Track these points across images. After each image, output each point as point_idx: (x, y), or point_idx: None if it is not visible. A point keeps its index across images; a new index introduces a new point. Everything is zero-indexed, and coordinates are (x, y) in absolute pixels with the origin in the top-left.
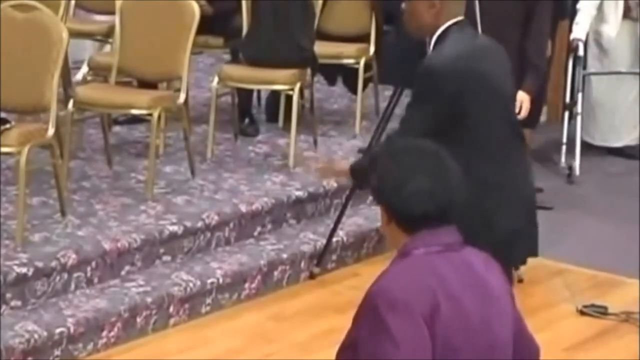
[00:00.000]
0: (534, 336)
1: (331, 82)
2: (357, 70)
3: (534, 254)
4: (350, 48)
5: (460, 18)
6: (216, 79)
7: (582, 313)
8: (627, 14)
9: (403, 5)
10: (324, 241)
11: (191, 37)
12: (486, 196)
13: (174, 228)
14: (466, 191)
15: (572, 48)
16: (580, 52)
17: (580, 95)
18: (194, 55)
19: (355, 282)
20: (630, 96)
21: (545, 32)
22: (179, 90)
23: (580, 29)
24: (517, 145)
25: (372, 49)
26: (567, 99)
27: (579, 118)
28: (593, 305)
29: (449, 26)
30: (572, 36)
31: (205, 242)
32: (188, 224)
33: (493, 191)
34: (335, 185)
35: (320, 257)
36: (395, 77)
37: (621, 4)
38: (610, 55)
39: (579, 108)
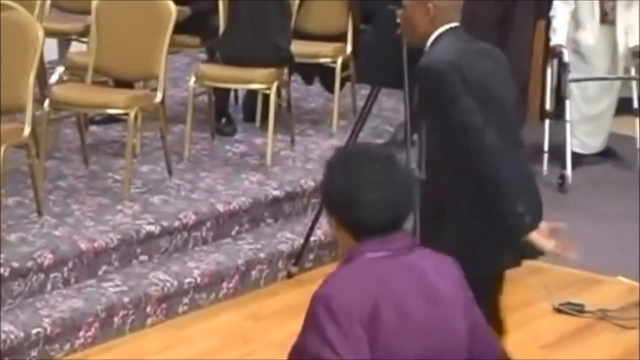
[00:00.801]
0: (496, 339)
1: (308, 81)
2: (334, 69)
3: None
4: (327, 47)
5: (455, 24)
6: (193, 79)
7: (558, 311)
8: (604, 19)
9: (399, 11)
10: (302, 240)
11: (168, 37)
12: (513, 194)
13: (151, 228)
14: (416, 195)
15: (554, 54)
16: (566, 59)
17: (568, 102)
18: (170, 54)
19: None
20: (604, 103)
21: (526, 33)
22: (155, 89)
23: (559, 36)
24: (517, 148)
25: (349, 48)
26: (548, 106)
27: (568, 126)
28: (569, 303)
29: (444, 31)
30: (553, 43)
31: (183, 241)
32: (165, 223)
33: (508, 187)
34: (312, 184)
35: (297, 257)
36: (373, 76)
37: (597, 9)
38: (588, 62)
39: (567, 116)
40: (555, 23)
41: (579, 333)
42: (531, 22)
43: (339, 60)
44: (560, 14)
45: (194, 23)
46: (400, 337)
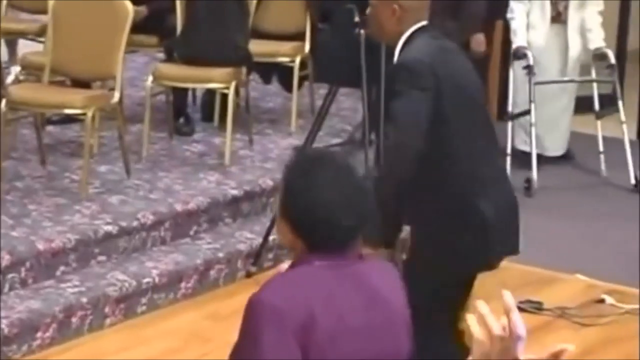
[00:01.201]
0: None
1: (266, 80)
2: (292, 68)
3: (512, 252)
4: (285, 46)
5: (424, 23)
6: (150, 78)
7: (517, 309)
8: (557, 19)
9: (368, 11)
10: (261, 240)
11: (125, 36)
12: (483, 195)
13: (109, 228)
14: (373, 203)
15: (517, 56)
16: (531, 61)
17: (533, 105)
18: (128, 54)
19: None
20: (559, 105)
21: (475, 23)
22: (113, 89)
23: (521, 37)
24: (491, 145)
25: (307, 47)
26: (510, 108)
27: (533, 129)
28: (528, 301)
29: (415, 30)
30: (515, 45)
31: (141, 241)
32: (123, 223)
33: (479, 188)
34: (271, 183)
35: (256, 256)
36: (331, 75)
37: (549, 10)
38: (539, 63)
39: (532, 118)
40: (514, 25)
41: (537, 331)
42: (482, 12)
43: (297, 60)
44: (518, 15)
45: (152, 22)
46: (339, 345)
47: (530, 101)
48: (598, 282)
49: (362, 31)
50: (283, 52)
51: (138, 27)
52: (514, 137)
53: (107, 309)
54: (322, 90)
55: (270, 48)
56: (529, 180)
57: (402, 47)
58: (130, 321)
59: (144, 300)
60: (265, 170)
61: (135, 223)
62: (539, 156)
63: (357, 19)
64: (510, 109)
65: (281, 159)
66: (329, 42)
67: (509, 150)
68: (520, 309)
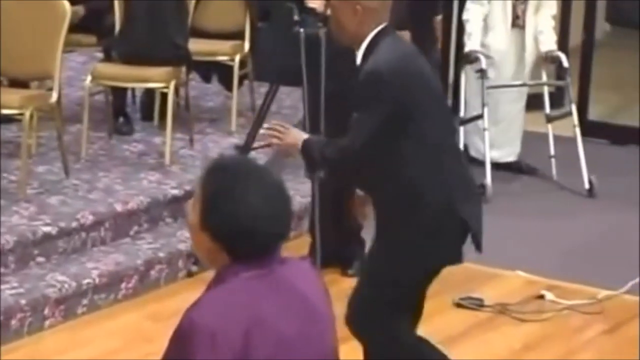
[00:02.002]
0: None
1: (206, 79)
2: (232, 67)
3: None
4: (225, 45)
5: (385, 24)
6: (89, 78)
7: (458, 305)
8: (515, 23)
9: (329, 12)
10: None
11: (63, 36)
12: (447, 187)
13: (48, 229)
14: (291, 208)
15: (469, 60)
16: (483, 65)
17: (486, 110)
18: (66, 53)
19: None
20: (515, 109)
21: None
22: (51, 89)
23: (474, 41)
24: (455, 142)
25: (247, 46)
26: (463, 113)
27: (486, 134)
28: (469, 298)
29: (378, 32)
30: (468, 48)
31: (81, 242)
32: (62, 224)
33: (452, 182)
34: None
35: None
36: (271, 74)
37: (510, 13)
38: (498, 67)
39: (485, 123)
40: (469, 27)
41: (478, 327)
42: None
43: (237, 58)
44: (474, 18)
45: (90, 22)
46: (276, 356)
47: (483, 105)
48: (538, 278)
49: (301, 30)
50: (223, 51)
51: (76, 27)
52: (468, 142)
53: (46, 311)
54: (262, 89)
55: (210, 47)
56: (482, 186)
57: (365, 51)
58: (70, 322)
59: (84, 301)
60: None
61: (74, 224)
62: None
63: (296, 17)
64: (462, 113)
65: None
66: (269, 40)
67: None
68: (462, 306)
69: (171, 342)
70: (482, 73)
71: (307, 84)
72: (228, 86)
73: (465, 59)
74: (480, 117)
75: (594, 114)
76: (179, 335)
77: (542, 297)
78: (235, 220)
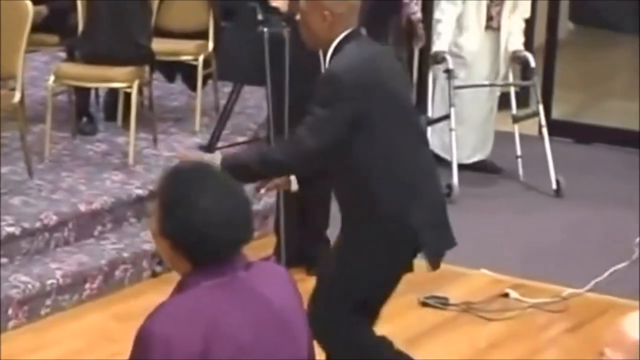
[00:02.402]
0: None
1: (170, 79)
2: (196, 67)
3: (453, 244)
4: (188, 45)
5: (353, 28)
6: (52, 78)
7: (423, 304)
8: (488, 24)
9: (298, 17)
10: None
11: (25, 36)
12: (401, 195)
13: (12, 229)
14: (251, 212)
15: (436, 60)
16: (450, 65)
17: (453, 110)
18: (29, 53)
19: None
20: (484, 110)
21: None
22: (14, 89)
23: (444, 41)
24: (422, 147)
25: (210, 46)
26: (430, 113)
27: (453, 134)
28: (434, 297)
29: (345, 36)
30: (435, 49)
31: (44, 242)
32: (26, 224)
33: (407, 190)
34: None
35: None
36: (235, 73)
37: (484, 14)
38: (470, 68)
39: (452, 123)
40: (441, 27)
41: (443, 326)
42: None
43: (201, 58)
44: (447, 18)
45: (52, 21)
46: None
47: (450, 106)
48: (503, 277)
49: (265, 29)
50: (186, 51)
51: (39, 26)
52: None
53: (10, 312)
54: (226, 88)
55: (174, 47)
56: (449, 187)
57: (332, 54)
58: (34, 324)
59: (48, 301)
60: None
61: (38, 224)
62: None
63: (260, 17)
64: (430, 113)
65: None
66: (233, 40)
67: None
68: (427, 305)
69: (132, 350)
70: (449, 73)
71: (271, 84)
72: (192, 86)
73: (432, 59)
74: (447, 117)
75: (557, 113)
76: (137, 343)
77: (506, 295)
78: (191, 228)
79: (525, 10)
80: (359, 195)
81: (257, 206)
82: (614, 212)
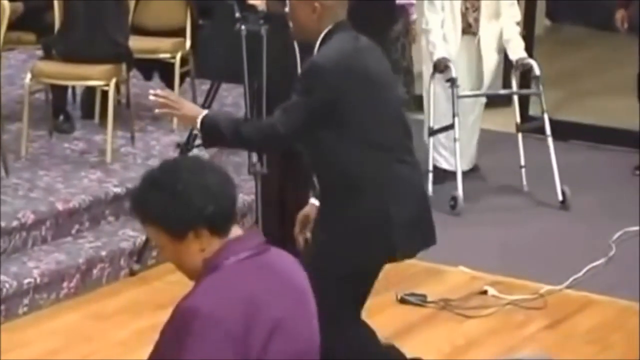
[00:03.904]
0: None
1: (147, 77)
2: (173, 64)
3: (433, 242)
4: (166, 43)
5: (341, 19)
6: (29, 76)
7: (402, 301)
8: (467, 30)
9: (286, 9)
10: (144, 237)
11: (1, 34)
12: (380, 189)
13: None
14: (235, 192)
15: (439, 69)
16: (453, 74)
17: (457, 120)
18: (5, 51)
19: (175, 277)
20: (469, 120)
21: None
22: None
23: (441, 49)
24: (404, 142)
25: (188, 44)
26: (432, 123)
27: (457, 145)
28: (413, 294)
29: (332, 28)
30: (436, 57)
31: (21, 241)
32: (3, 223)
33: (385, 185)
34: None
35: (139, 254)
36: (212, 71)
37: (459, 22)
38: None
39: (456, 133)
40: (432, 37)
41: (422, 323)
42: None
43: (178, 56)
44: (434, 27)
45: (29, 19)
46: (277, 338)
47: (454, 115)
48: (481, 274)
49: (242, 27)
50: (163, 49)
51: (15, 24)
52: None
53: None
54: (204, 86)
55: (151, 44)
56: (454, 198)
57: (319, 45)
58: (11, 323)
59: (25, 301)
60: (147, 167)
61: (15, 223)
62: (445, 170)
63: (237, 14)
64: (431, 124)
65: (164, 155)
66: (210, 37)
67: (430, 167)
68: (405, 302)
69: (167, 333)
70: (452, 82)
71: (249, 81)
72: (169, 84)
73: (434, 68)
74: (451, 127)
75: (533, 109)
76: (175, 326)
77: (485, 292)
78: (202, 203)
79: (515, 14)
80: (336, 187)
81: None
82: (591, 210)
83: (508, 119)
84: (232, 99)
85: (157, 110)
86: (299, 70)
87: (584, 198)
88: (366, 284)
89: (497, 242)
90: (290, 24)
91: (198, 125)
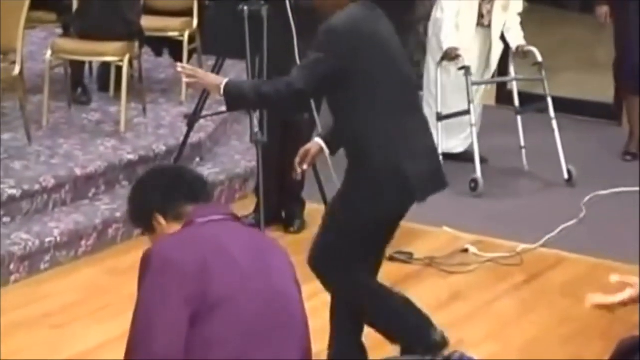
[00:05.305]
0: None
1: (158, 53)
2: (182, 42)
3: (443, 186)
4: (175, 22)
5: None
6: (49, 52)
7: (391, 259)
8: (479, 21)
9: None
10: None
11: (24, 13)
12: (392, 143)
13: (13, 191)
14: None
15: (450, 57)
16: (466, 62)
17: (472, 106)
18: (28, 30)
19: None
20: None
21: None
22: (14, 62)
23: (452, 38)
24: (412, 101)
25: (195, 23)
26: (440, 108)
27: (474, 129)
28: (400, 252)
29: (353, 2)
30: (447, 45)
31: (43, 204)
32: (26, 187)
33: (398, 141)
34: (164, 148)
35: None
36: (217, 48)
37: (476, 12)
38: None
39: (473, 119)
40: (445, 25)
41: (409, 279)
42: None
43: (186, 34)
44: (449, 15)
45: (50, 0)
46: (232, 279)
47: (469, 102)
48: (463, 234)
49: (245, 7)
50: (173, 27)
51: (37, 4)
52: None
53: (12, 267)
54: (209, 62)
55: (161, 23)
56: (475, 180)
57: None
58: (34, 278)
59: (46, 257)
60: (158, 136)
61: (37, 186)
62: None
63: None
64: (439, 109)
65: (173, 125)
66: (216, 17)
67: (440, 151)
68: (393, 259)
69: (139, 272)
70: (466, 70)
71: (251, 57)
72: (178, 59)
73: (447, 56)
74: (466, 112)
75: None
76: (140, 266)
77: (466, 251)
78: (164, 193)
79: (518, 5)
80: (353, 145)
81: (238, 170)
82: (556, 169)
83: (487, 92)
84: (236, 74)
85: (185, 80)
86: (296, 48)
87: (559, 165)
88: (381, 235)
89: (480, 206)
90: (318, 3)
91: (222, 91)
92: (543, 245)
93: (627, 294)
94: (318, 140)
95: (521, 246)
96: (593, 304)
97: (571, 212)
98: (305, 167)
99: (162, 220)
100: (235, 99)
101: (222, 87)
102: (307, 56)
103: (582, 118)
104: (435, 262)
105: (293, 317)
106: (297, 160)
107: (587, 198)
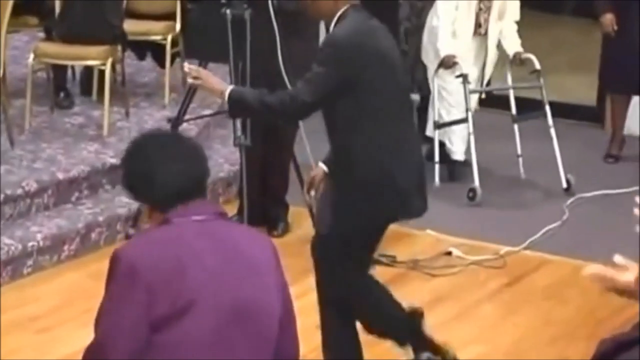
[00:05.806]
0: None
1: (141, 57)
2: (164, 46)
3: (424, 209)
4: (158, 25)
5: (356, 1)
6: (32, 56)
7: (374, 262)
8: (476, 30)
9: None
10: (138, 204)
11: (7, 17)
12: (385, 156)
13: None
14: (206, 165)
15: (447, 65)
16: (463, 70)
17: (470, 113)
18: (10, 33)
19: None
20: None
21: None
22: None
23: (449, 47)
24: (406, 114)
25: (178, 26)
26: (437, 116)
27: (472, 137)
28: (383, 255)
29: (347, 9)
30: (444, 53)
31: (26, 208)
32: (8, 191)
33: (391, 152)
34: None
35: (135, 219)
36: (200, 51)
37: (473, 21)
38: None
39: (470, 127)
40: (441, 33)
41: (392, 281)
42: None
43: (169, 38)
44: (445, 22)
45: (32, 4)
46: (200, 288)
47: (467, 110)
48: (446, 236)
49: (227, 11)
50: (156, 31)
51: (19, 8)
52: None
53: None
54: (192, 65)
55: (144, 27)
56: (473, 190)
57: (334, 25)
58: (18, 282)
59: (29, 262)
60: None
61: (19, 191)
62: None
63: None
64: (436, 118)
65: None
66: (198, 21)
67: (437, 159)
68: (377, 262)
69: (107, 272)
70: (464, 78)
71: (233, 61)
72: (161, 63)
73: (444, 64)
74: (464, 120)
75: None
76: (109, 269)
77: (449, 253)
78: (146, 184)
79: (515, 14)
80: (345, 154)
81: (222, 173)
82: (548, 177)
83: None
84: (219, 77)
85: (189, 80)
86: (279, 51)
87: (542, 166)
88: (372, 239)
89: (464, 209)
90: (307, 5)
91: (226, 97)
92: (526, 248)
93: (629, 276)
94: (321, 165)
95: (504, 249)
96: (591, 273)
97: (554, 215)
98: (313, 193)
99: (152, 213)
100: (238, 106)
101: (227, 93)
102: (310, 69)
103: (565, 120)
104: (419, 265)
105: (262, 322)
106: (305, 188)
107: (570, 200)
